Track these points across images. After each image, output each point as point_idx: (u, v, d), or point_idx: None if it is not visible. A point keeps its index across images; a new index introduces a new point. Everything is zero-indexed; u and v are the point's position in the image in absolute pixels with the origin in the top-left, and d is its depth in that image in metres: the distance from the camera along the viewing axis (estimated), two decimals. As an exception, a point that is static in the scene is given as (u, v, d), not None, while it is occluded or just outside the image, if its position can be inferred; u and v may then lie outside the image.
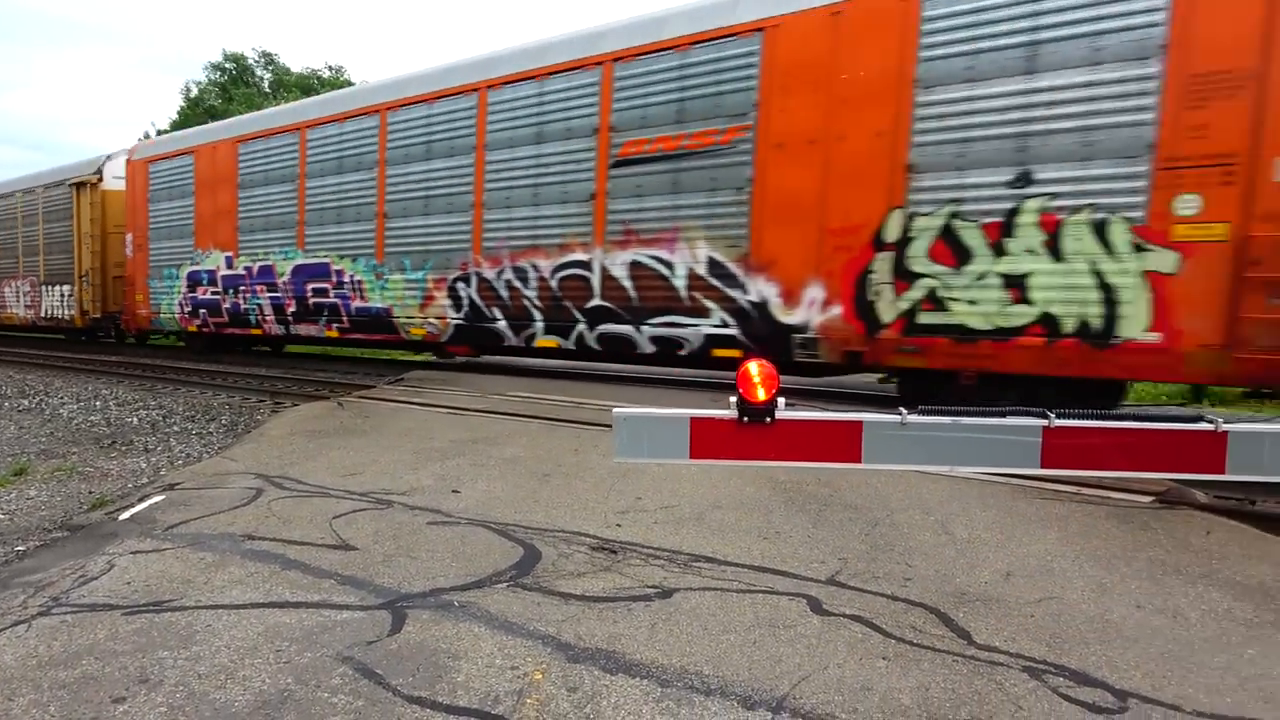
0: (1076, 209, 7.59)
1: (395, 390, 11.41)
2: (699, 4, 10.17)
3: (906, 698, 3.04)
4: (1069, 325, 7.66)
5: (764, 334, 9.53)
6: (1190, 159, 7.13)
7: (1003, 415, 2.18)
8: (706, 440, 2.31)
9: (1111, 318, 7.46)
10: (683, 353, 10.19)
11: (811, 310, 9.15)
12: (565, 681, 3.14)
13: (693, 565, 4.38)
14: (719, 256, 9.81)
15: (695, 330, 10.01)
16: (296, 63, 58.75)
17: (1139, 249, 7.29)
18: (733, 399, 2.28)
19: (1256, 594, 4.13)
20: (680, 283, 10.12)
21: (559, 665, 3.27)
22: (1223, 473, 2.09)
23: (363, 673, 3.19)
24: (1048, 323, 7.76)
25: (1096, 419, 2.13)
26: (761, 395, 2.15)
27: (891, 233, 8.55)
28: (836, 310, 8.95)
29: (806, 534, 4.95)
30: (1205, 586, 4.20)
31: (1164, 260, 7.21)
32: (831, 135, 8.95)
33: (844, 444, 2.21)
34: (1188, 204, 7.16)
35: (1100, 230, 7.49)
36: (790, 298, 9.29)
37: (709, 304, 9.90)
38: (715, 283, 9.87)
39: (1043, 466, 2.16)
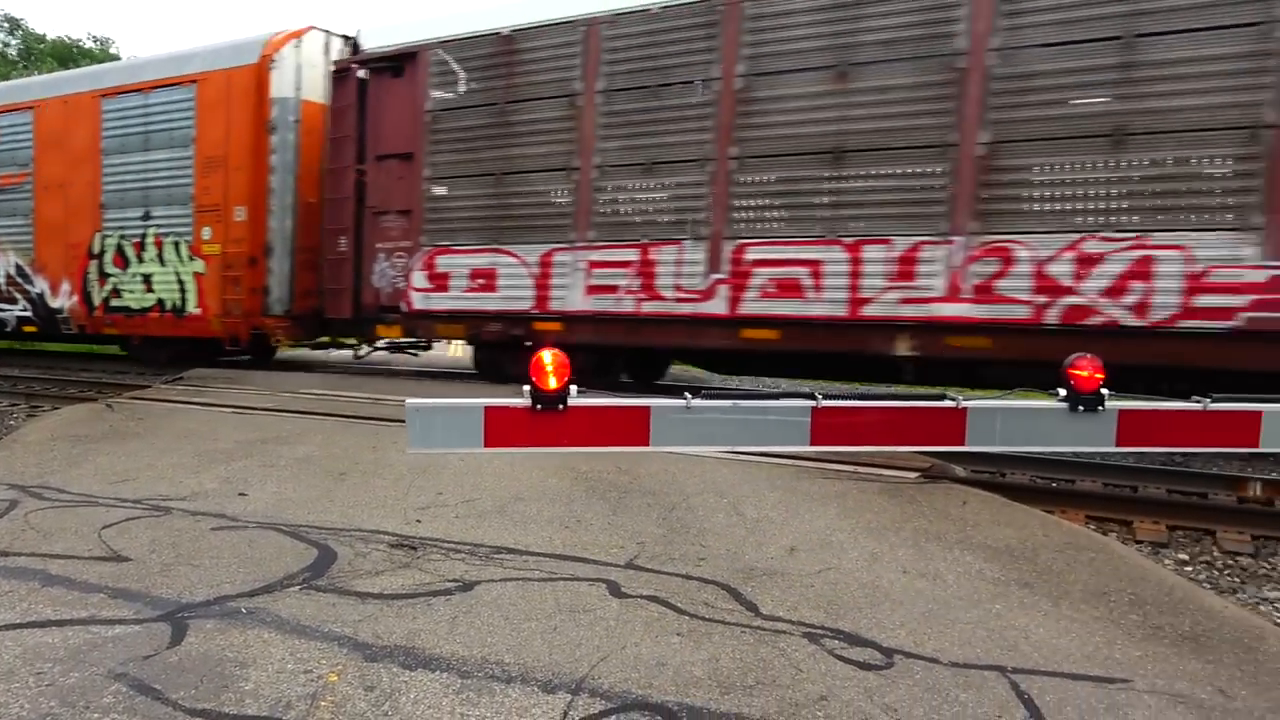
0: (168, 235, 13.44)
1: (173, 390, 10.64)
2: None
3: (698, 669, 3.20)
4: (169, 304, 13.53)
5: (44, 315, 15.00)
6: (205, 207, 13.09)
7: (777, 398, 2.34)
8: (501, 429, 2.34)
9: (184, 300, 13.38)
10: (8, 330, 15.51)
11: (65, 298, 14.69)
12: (362, 681, 3.08)
13: (494, 557, 4.39)
14: (21, 262, 15.20)
15: (11, 314, 15.40)
16: (55, 29, 53.24)
17: (191, 259, 13.20)
18: (525, 387, 2.33)
19: (1003, 555, 4.63)
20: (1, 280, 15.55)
21: (356, 665, 3.20)
22: (963, 444, 2.35)
23: (138, 689, 3.00)
24: (161, 304, 13.61)
25: (858, 399, 2.34)
26: (553, 384, 2.20)
27: (96, 247, 14.22)
28: (75, 298, 14.52)
29: (607, 521, 5.07)
30: (961, 551, 4.67)
31: (199, 266, 13.17)
32: (69, 182, 14.46)
33: (634, 428, 2.31)
34: (206, 233, 13.09)
35: (177, 248, 13.37)
36: (55, 290, 14.84)
37: (17, 295, 15.30)
38: (20, 280, 15.26)
39: (812, 444, 2.34)
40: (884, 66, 8.51)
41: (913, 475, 6.34)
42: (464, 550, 4.49)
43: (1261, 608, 4.41)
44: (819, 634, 3.56)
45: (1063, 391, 2.41)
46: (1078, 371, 2.38)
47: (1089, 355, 2.43)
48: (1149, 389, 7.91)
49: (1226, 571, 4.93)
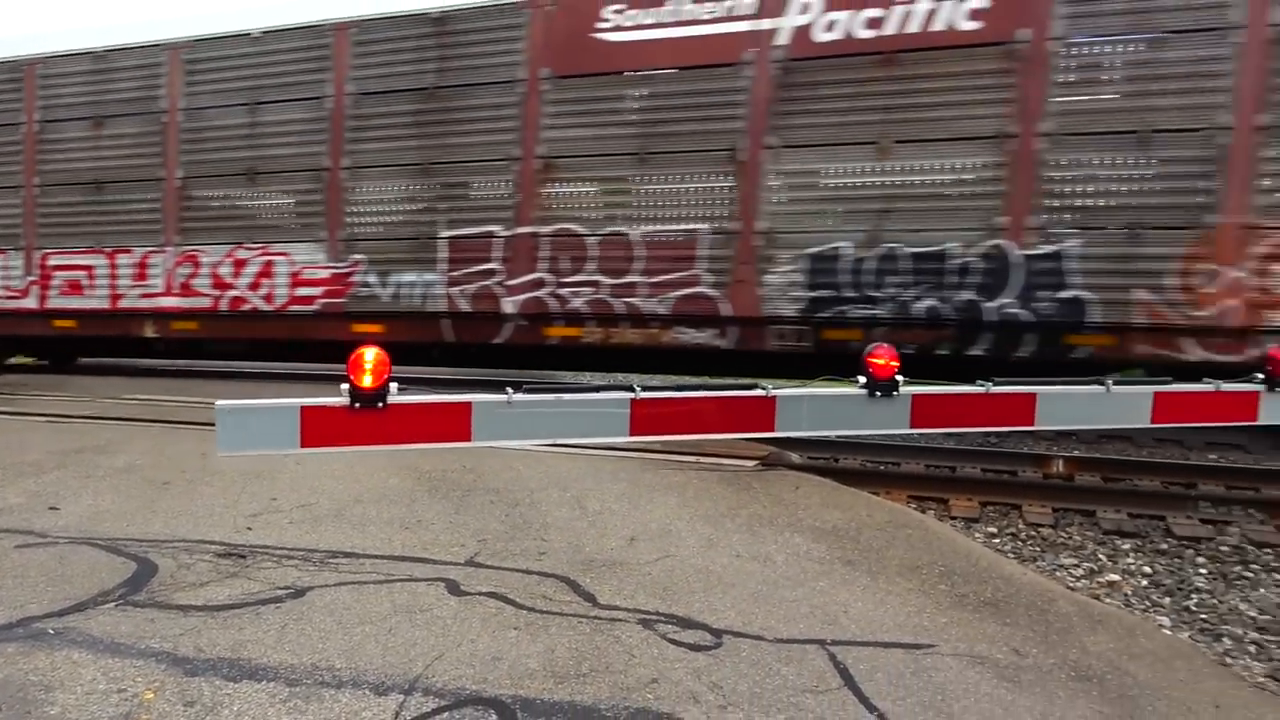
0: None
1: (-23, 399, 9.80)
2: None
3: (534, 661, 3.24)
4: None
5: None
6: None
7: (597, 390, 2.41)
8: (319, 428, 2.30)
9: None
10: None
11: None
12: (182, 696, 2.96)
13: (329, 562, 4.29)
14: None
15: None
16: None
17: None
18: (344, 385, 2.30)
19: (830, 536, 4.88)
20: None
21: (175, 681, 3.07)
22: (773, 430, 2.49)
23: (-75, 721, 2.78)
24: None
25: (674, 390, 2.43)
26: (369, 381, 2.19)
27: None
28: None
29: (449, 520, 5.03)
30: (791, 534, 4.89)
31: None
32: None
33: (455, 424, 2.32)
34: None
35: None
36: None
37: None
38: None
39: (631, 434, 2.42)
40: (122, 120, 11.84)
41: (751, 464, 6.58)
42: (297, 556, 4.37)
43: (1057, 573, 4.83)
44: (653, 620, 3.66)
45: (862, 379, 2.58)
46: (875, 360, 2.56)
47: (886, 345, 2.61)
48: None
49: (1029, 542, 5.37)
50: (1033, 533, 5.53)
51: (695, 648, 3.40)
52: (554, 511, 5.25)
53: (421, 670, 3.15)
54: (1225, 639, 3.96)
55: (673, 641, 3.46)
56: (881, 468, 7.22)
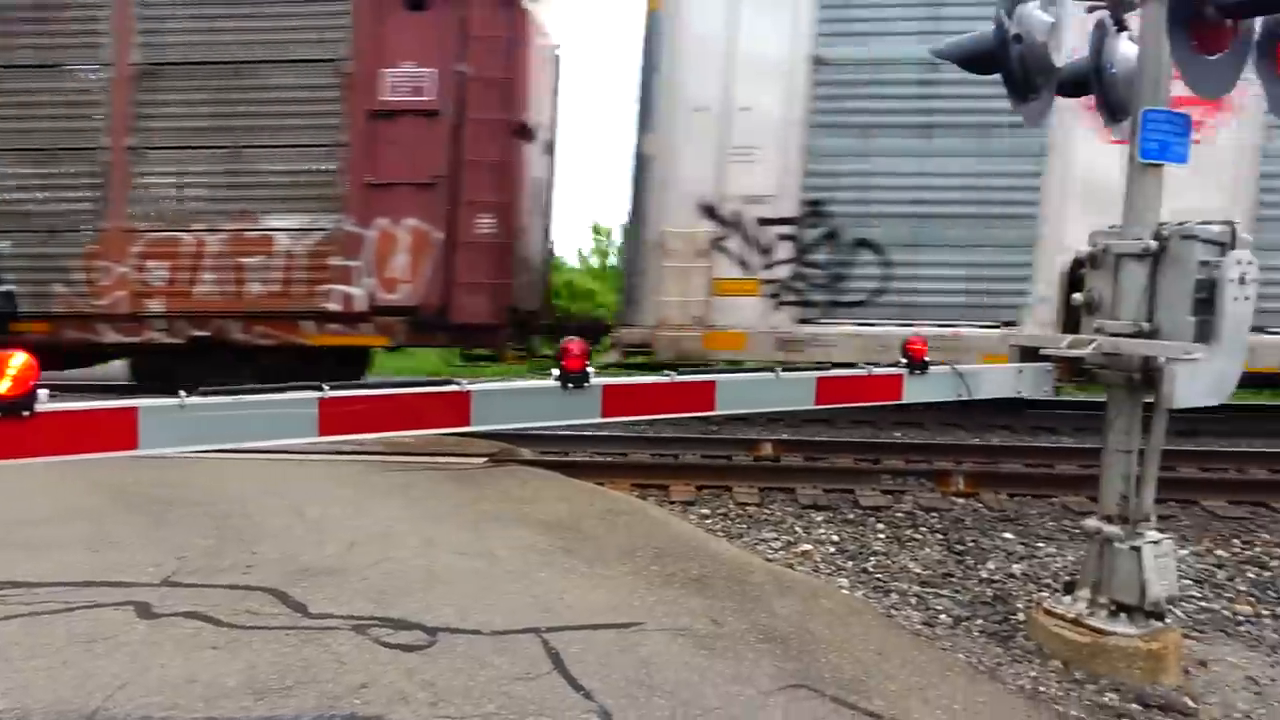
0: None
1: None
2: None
3: (232, 680, 3.08)
4: None
5: None
6: None
7: (282, 390, 2.33)
8: (-53, 444, 2.06)
9: None
10: None
11: None
12: None
13: (-6, 594, 3.83)
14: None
15: None
16: None
17: None
18: (-19, 395, 2.07)
19: (555, 528, 5.00)
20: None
21: None
22: (469, 424, 2.53)
23: None
24: None
25: (366, 388, 2.41)
26: (7, 388, 1.99)
27: None
28: None
29: (145, 538, 4.64)
30: (517, 528, 4.96)
31: None
32: None
33: (118, 432, 2.16)
34: None
35: None
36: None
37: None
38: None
39: (321, 434, 2.37)
40: None
41: (481, 461, 6.59)
42: (-47, 591, 3.86)
43: (758, 547, 5.25)
44: (367, 625, 3.59)
45: (556, 372, 2.69)
46: (569, 353, 2.67)
47: (578, 339, 2.73)
48: None
49: (738, 520, 5.79)
50: (741, 511, 5.96)
51: (409, 648, 3.38)
52: (269, 521, 4.99)
53: (100, 703, 2.90)
54: (893, 594, 4.49)
55: (386, 645, 3.41)
56: (610, 458, 7.48)
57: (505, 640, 3.48)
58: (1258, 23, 3.50)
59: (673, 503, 6.13)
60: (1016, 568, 4.95)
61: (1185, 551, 5.28)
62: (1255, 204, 8.19)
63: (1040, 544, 5.41)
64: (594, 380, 2.70)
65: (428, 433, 2.58)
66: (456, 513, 5.21)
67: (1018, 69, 3.66)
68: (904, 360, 3.39)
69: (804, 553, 5.13)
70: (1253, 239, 3.65)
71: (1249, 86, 4.30)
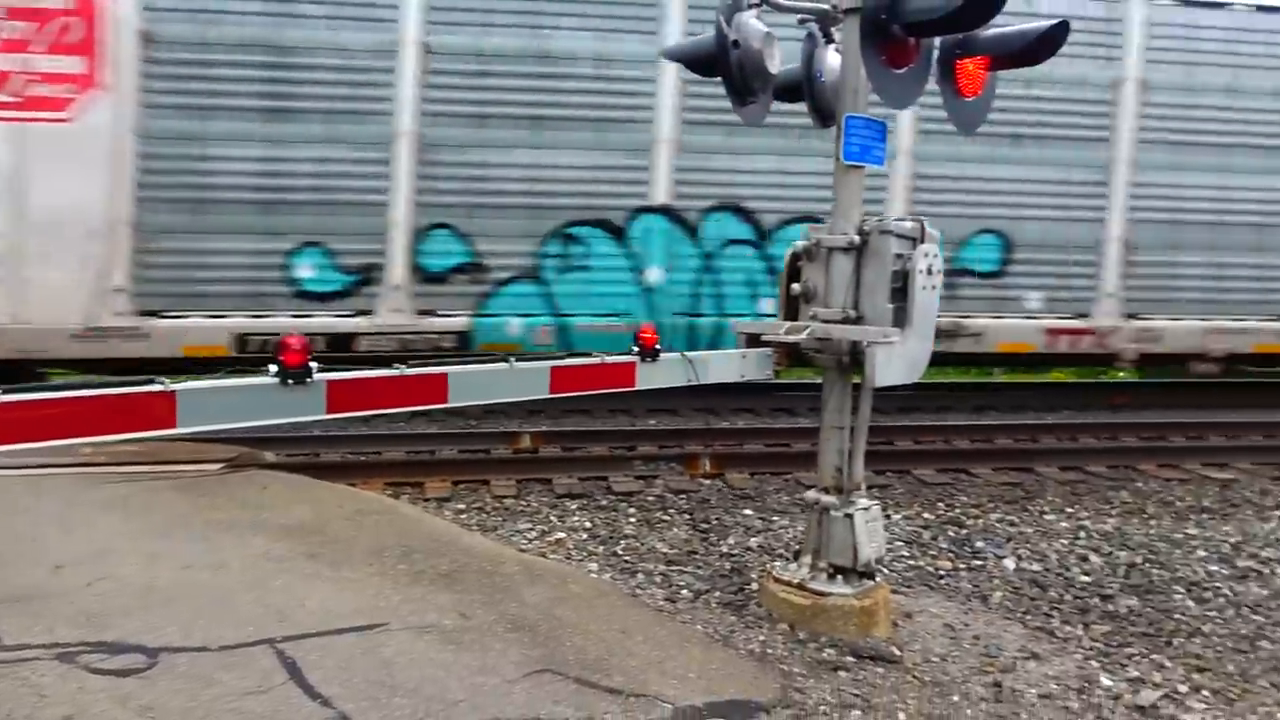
0: None
1: None
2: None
3: (-101, 728, 2.71)
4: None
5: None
6: None
7: (-58, 397, 2.07)
8: None
9: None
10: None
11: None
12: None
13: None
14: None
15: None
16: None
17: None
18: None
19: (296, 533, 4.77)
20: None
21: None
22: (175, 426, 2.36)
23: None
24: None
25: (47, 391, 2.19)
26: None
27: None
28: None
29: None
30: (253, 535, 4.68)
31: None
32: None
33: None
34: None
35: None
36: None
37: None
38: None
39: (-9, 445, 2.13)
40: None
41: (216, 467, 6.16)
42: None
43: (513, 539, 5.28)
44: (76, 652, 3.27)
45: (274, 367, 2.57)
46: (287, 347, 2.56)
47: (298, 334, 2.62)
48: None
49: (494, 513, 5.79)
50: (498, 504, 5.96)
51: (124, 673, 3.12)
52: (-46, 548, 4.41)
53: None
54: (640, 575, 4.67)
55: (98, 671, 3.13)
56: (363, 458, 7.23)
57: (235, 655, 3.29)
58: (937, 43, 3.94)
59: (427, 500, 6.03)
60: (754, 541, 5.29)
61: (898, 516, 5.86)
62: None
63: (776, 517, 5.81)
64: (317, 376, 2.61)
65: (131, 437, 2.38)
66: (184, 524, 4.85)
67: (736, 74, 3.90)
68: (636, 348, 3.53)
69: (557, 541, 5.22)
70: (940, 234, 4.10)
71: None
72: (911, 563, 5.07)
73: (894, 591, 4.51)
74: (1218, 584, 4.86)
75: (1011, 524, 5.80)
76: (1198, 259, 9.68)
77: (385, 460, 7.08)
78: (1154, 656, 3.97)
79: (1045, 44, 3.69)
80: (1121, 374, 13.11)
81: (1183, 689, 3.65)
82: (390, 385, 2.77)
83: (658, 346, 3.57)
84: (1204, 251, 9.67)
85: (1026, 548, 5.33)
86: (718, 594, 4.41)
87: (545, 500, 6.08)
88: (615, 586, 4.45)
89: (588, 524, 5.56)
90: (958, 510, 6.11)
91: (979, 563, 5.09)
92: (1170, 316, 9.63)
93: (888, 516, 5.80)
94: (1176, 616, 4.42)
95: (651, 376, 3.57)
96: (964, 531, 5.62)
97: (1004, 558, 5.15)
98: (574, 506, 5.95)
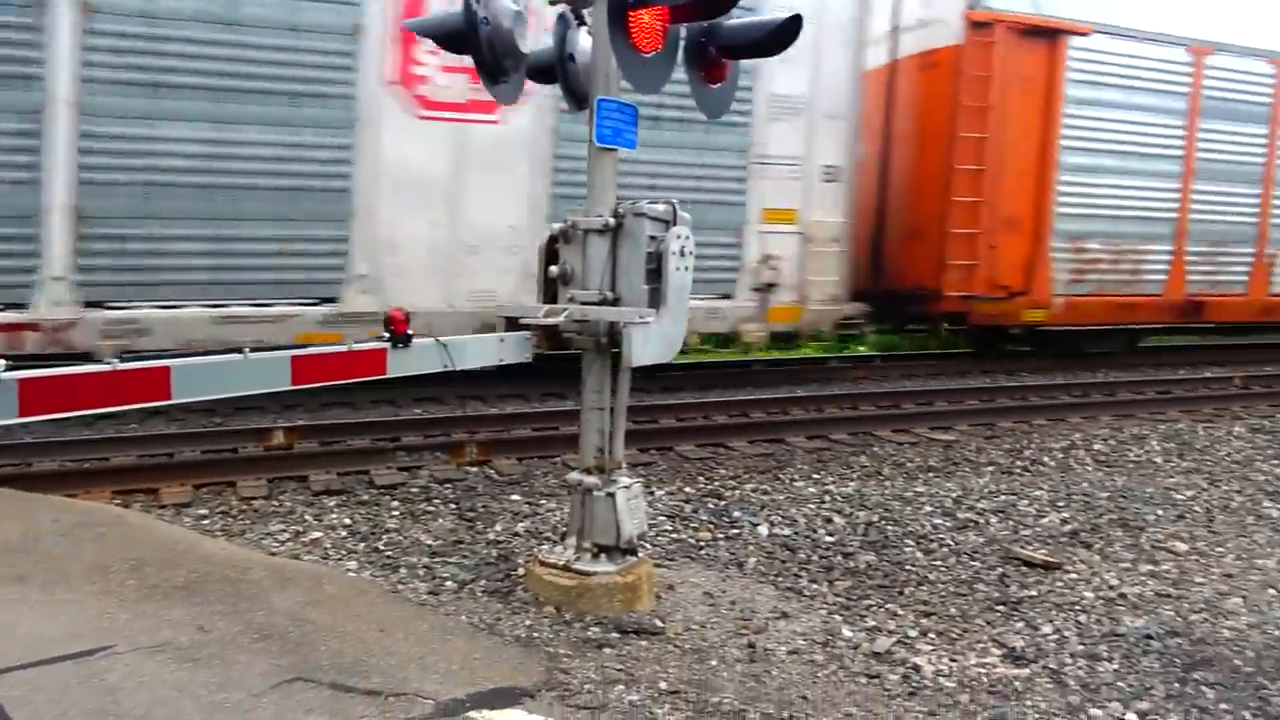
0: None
1: None
2: None
3: None
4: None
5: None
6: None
7: None
8: None
9: None
10: None
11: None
12: None
13: None
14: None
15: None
16: None
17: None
18: None
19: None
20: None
21: None
22: None
23: None
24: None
25: None
26: None
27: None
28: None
29: None
30: (-56, 560, 4.07)
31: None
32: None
33: None
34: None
35: None
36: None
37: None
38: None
39: None
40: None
41: (-103, 485, 5.32)
42: None
43: (263, 542, 4.94)
44: None
45: (-59, 367, 2.22)
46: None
47: None
48: None
49: (241, 516, 5.39)
50: (245, 506, 5.56)
51: None
52: None
53: None
54: (402, 569, 4.51)
55: None
56: (86, 465, 6.51)
57: (-84, 700, 2.84)
58: (684, 30, 4.04)
59: (163, 507, 5.52)
60: (521, 526, 5.26)
61: (661, 492, 6.04)
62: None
63: (544, 501, 5.82)
64: (4, 375, 2.28)
65: None
66: None
67: (487, 51, 3.82)
68: (386, 334, 3.38)
69: (313, 541, 4.94)
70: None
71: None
72: (674, 536, 5.23)
73: (657, 565, 4.64)
74: (942, 535, 5.37)
75: (765, 493, 6.13)
76: (190, 231, 7.78)
77: (113, 466, 6.41)
78: (889, 606, 4.32)
79: (780, 35, 3.87)
80: (862, 349, 14.27)
81: (913, 633, 4.01)
82: (100, 382, 2.48)
83: (409, 332, 3.44)
84: (200, 223, 7.80)
85: (778, 514, 5.65)
86: (483, 582, 4.34)
87: (300, 499, 5.74)
88: (375, 583, 4.27)
89: (347, 520, 5.30)
90: (717, 483, 6.38)
91: (736, 531, 5.33)
92: (159, 304, 7.79)
93: (651, 493, 5.96)
94: (908, 568, 4.84)
95: (404, 364, 3.43)
96: (723, 503, 5.88)
97: (758, 525, 5.44)
98: (332, 503, 5.66)
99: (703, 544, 5.14)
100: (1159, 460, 7.34)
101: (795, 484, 6.41)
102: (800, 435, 7.87)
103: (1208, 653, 3.78)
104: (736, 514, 5.62)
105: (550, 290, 4.16)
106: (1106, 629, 4.03)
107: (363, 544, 4.92)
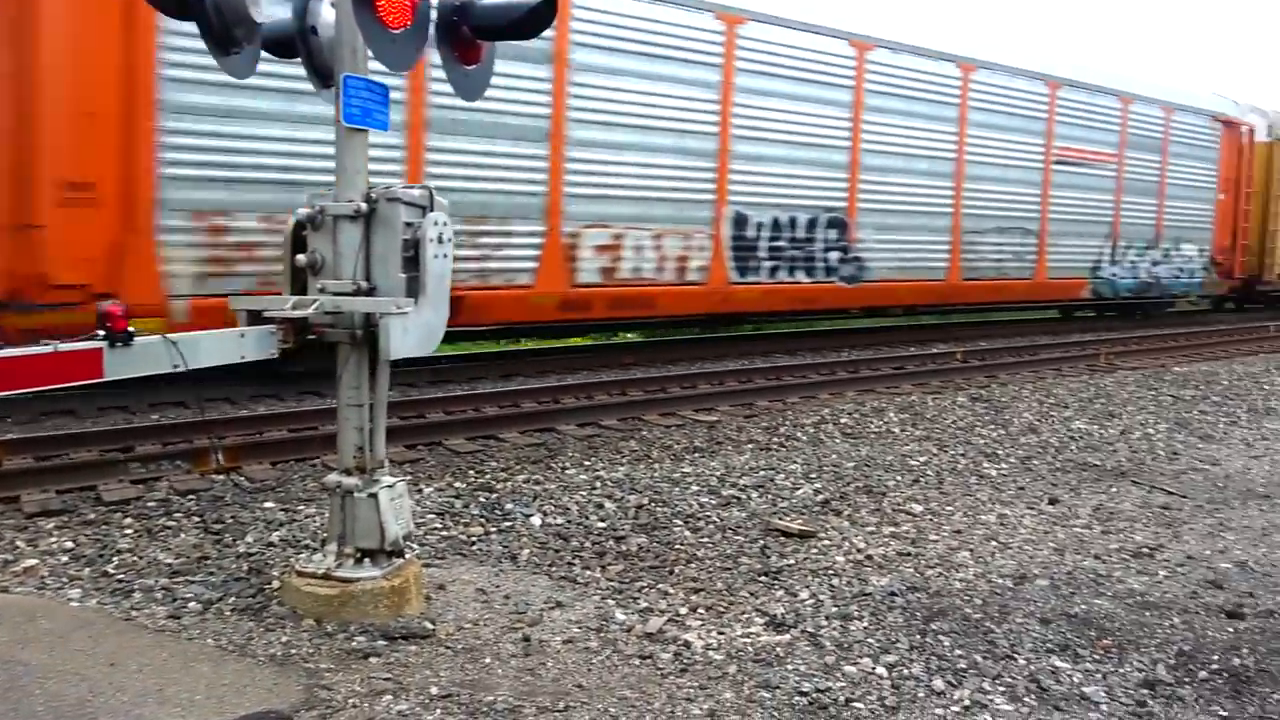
0: None
1: None
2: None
3: None
4: None
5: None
6: None
7: None
8: None
9: None
10: None
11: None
12: None
13: None
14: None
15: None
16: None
17: None
18: None
19: None
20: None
21: None
22: None
23: None
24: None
25: None
26: None
27: None
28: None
29: None
30: None
31: None
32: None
33: None
34: None
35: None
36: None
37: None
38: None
39: None
40: None
41: None
42: None
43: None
44: None
45: None
46: None
47: None
48: None
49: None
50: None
51: None
52: None
53: None
54: (136, 594, 4.06)
55: None
56: None
57: None
58: (434, 7, 3.87)
59: None
60: (276, 535, 4.90)
61: (430, 489, 5.84)
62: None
63: (302, 507, 5.46)
64: None
65: None
66: None
67: (214, 19, 3.48)
68: (103, 332, 3.00)
69: (26, 570, 4.34)
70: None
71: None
72: (444, 534, 5.06)
73: (427, 565, 4.47)
74: (708, 513, 5.55)
75: (537, 483, 6.08)
76: None
77: None
78: (660, 586, 4.40)
79: (534, 18, 3.80)
80: (630, 335, 14.58)
81: (683, 611, 4.10)
82: (39, 363, 2.01)
83: (130, 329, 3.07)
84: None
85: (551, 504, 5.62)
86: (233, 600, 3.99)
87: (10, 523, 5.03)
88: (104, 613, 3.81)
89: (69, 544, 4.70)
90: (488, 476, 6.25)
91: (509, 524, 5.24)
92: None
93: (420, 490, 5.76)
94: (677, 547, 4.96)
95: (124, 365, 3.06)
96: (494, 496, 5.76)
97: (531, 516, 5.38)
98: (50, 525, 5.00)
99: (474, 539, 5.01)
100: (897, 430, 8.00)
101: (567, 472, 6.41)
102: (571, 423, 7.89)
103: (943, 604, 4.13)
104: (509, 506, 5.53)
105: (298, 280, 3.88)
106: (857, 590, 4.31)
107: (88, 569, 4.38)
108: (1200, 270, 19.19)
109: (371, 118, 3.76)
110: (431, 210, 3.82)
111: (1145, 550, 5.01)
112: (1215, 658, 3.66)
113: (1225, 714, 3.25)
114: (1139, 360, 13.06)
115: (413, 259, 3.74)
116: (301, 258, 3.81)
